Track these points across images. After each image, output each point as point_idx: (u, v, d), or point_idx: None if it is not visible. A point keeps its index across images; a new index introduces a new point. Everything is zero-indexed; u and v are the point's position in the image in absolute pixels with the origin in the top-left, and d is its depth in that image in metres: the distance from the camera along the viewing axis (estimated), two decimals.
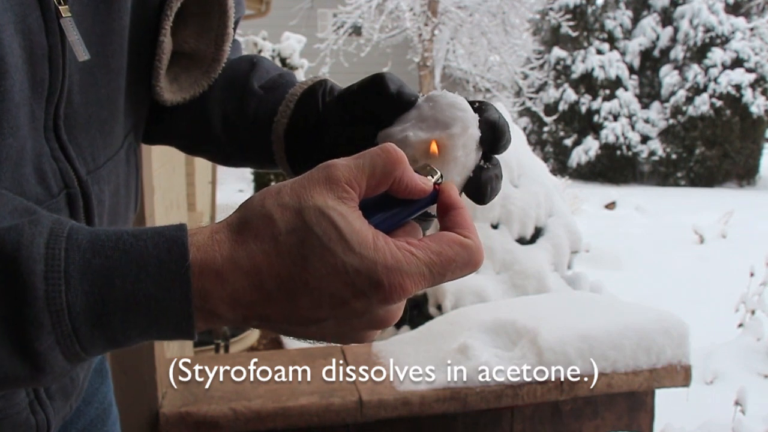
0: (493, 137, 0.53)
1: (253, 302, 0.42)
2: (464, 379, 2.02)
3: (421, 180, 0.46)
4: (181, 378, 2.08)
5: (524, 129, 16.14)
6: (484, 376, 2.03)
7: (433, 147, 0.51)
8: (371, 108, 0.57)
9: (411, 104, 0.55)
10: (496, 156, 0.55)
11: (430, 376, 2.05)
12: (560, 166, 16.24)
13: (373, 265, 0.41)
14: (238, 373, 2.13)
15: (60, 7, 0.50)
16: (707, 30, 15.52)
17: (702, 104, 15.27)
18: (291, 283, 0.41)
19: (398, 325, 3.50)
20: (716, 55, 15.29)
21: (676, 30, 16.24)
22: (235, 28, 0.69)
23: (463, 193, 0.55)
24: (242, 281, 0.41)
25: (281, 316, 0.43)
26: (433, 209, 0.48)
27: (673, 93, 15.94)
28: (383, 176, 0.44)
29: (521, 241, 3.52)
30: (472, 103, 0.55)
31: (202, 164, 5.40)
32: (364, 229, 0.42)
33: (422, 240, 0.44)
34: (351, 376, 2.10)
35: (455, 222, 0.46)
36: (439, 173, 0.49)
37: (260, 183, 7.09)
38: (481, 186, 0.54)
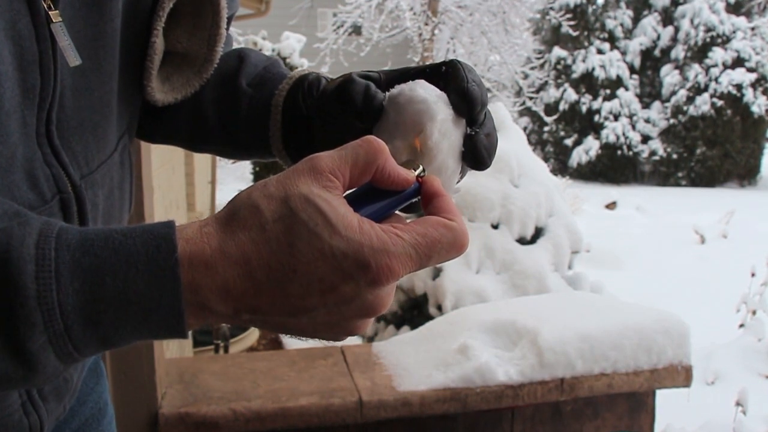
0: (467, 107, 0.53)
1: (244, 293, 0.42)
2: (464, 379, 2.02)
3: (404, 171, 0.47)
4: (180, 378, 2.07)
5: (525, 129, 16.14)
6: (484, 377, 2.02)
7: (416, 145, 0.52)
8: (344, 119, 0.58)
9: (379, 110, 0.55)
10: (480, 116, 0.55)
11: (430, 376, 2.04)
12: (561, 166, 16.25)
13: (360, 247, 0.41)
14: (238, 373, 2.13)
15: (50, 13, 0.50)
16: (708, 29, 15.52)
17: (703, 104, 15.27)
18: (280, 270, 0.42)
19: (398, 325, 3.49)
20: (717, 54, 15.29)
21: (676, 29, 16.24)
22: (228, 25, 0.68)
23: (468, 169, 0.56)
24: (232, 271, 0.42)
25: (272, 306, 0.43)
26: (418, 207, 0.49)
27: (673, 93, 15.94)
28: (366, 165, 0.45)
29: (521, 241, 3.51)
30: (437, 68, 0.55)
31: (201, 164, 5.40)
32: (349, 214, 0.43)
33: (407, 224, 0.45)
34: (351, 377, 2.09)
35: (439, 208, 0.47)
36: (421, 167, 0.50)
37: None
38: (475, 153, 0.54)
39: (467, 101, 0.53)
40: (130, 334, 0.42)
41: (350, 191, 0.46)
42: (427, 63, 0.60)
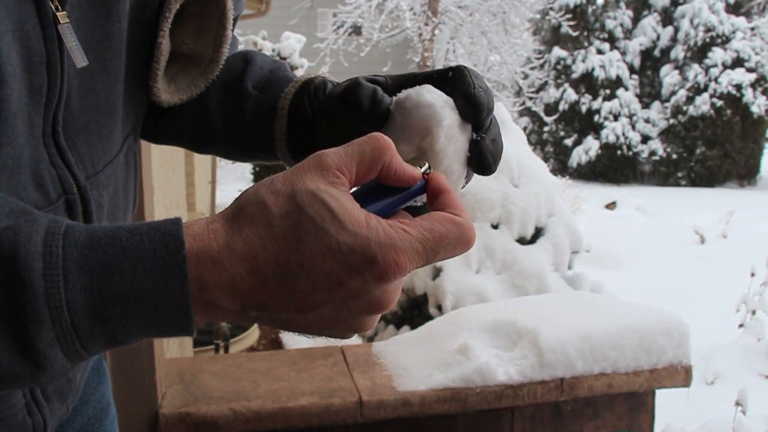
0: (473, 112, 0.54)
1: (251, 289, 0.42)
2: (464, 379, 2.02)
3: (410, 168, 0.47)
4: (180, 378, 2.07)
5: (524, 129, 16.14)
6: (484, 377, 2.02)
7: (423, 149, 0.52)
8: (351, 123, 0.58)
9: (386, 114, 0.56)
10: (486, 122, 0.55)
11: (430, 376, 2.04)
12: (561, 166, 16.25)
13: (367, 242, 0.42)
14: (238, 373, 2.13)
15: (58, 14, 0.50)
16: (708, 30, 15.52)
17: (702, 104, 15.27)
18: (287, 266, 0.42)
19: (398, 325, 3.50)
20: (717, 54, 15.29)
21: (676, 30, 16.24)
22: (233, 26, 0.69)
23: (473, 174, 0.56)
24: (239, 267, 0.42)
25: (279, 303, 0.43)
26: (423, 200, 0.50)
27: (673, 93, 15.94)
28: (372, 162, 0.45)
29: (521, 241, 3.51)
30: (444, 74, 0.56)
31: (202, 164, 5.41)
32: (356, 209, 0.43)
33: (414, 219, 0.45)
34: (351, 377, 2.10)
35: (445, 203, 0.47)
36: (427, 164, 0.50)
37: None
38: (481, 158, 0.55)
39: (474, 106, 0.53)
40: (138, 331, 0.42)
41: (357, 188, 0.46)
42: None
